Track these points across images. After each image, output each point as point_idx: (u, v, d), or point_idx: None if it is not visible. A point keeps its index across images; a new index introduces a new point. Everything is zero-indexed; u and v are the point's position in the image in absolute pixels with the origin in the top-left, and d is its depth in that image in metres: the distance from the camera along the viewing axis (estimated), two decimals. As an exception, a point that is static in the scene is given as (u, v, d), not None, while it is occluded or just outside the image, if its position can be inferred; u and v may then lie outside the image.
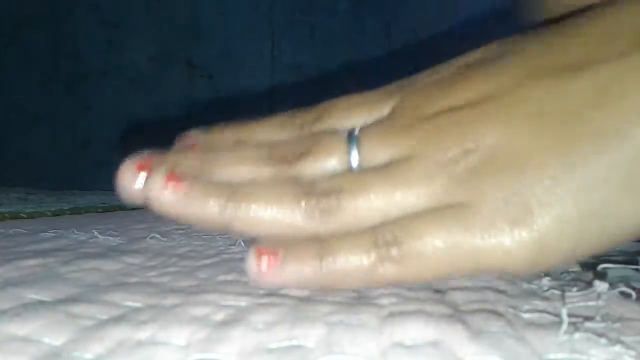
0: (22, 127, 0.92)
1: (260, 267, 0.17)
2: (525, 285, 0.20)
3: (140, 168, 0.18)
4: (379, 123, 0.19)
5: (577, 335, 0.14)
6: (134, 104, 0.88)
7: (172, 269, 0.23)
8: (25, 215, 0.43)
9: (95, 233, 0.32)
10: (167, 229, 0.36)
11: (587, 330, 0.15)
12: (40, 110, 0.91)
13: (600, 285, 0.18)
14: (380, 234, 0.17)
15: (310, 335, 0.15)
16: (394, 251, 0.16)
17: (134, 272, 0.22)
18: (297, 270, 0.17)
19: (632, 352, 0.13)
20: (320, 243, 0.17)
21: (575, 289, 0.19)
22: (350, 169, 0.18)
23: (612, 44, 0.16)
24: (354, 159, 0.18)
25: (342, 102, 0.20)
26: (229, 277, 0.21)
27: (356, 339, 0.14)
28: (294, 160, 0.18)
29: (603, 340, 0.14)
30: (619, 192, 0.15)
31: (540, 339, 0.14)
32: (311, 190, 0.17)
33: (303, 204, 0.17)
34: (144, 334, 0.14)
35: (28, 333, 0.14)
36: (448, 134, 0.17)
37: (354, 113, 0.20)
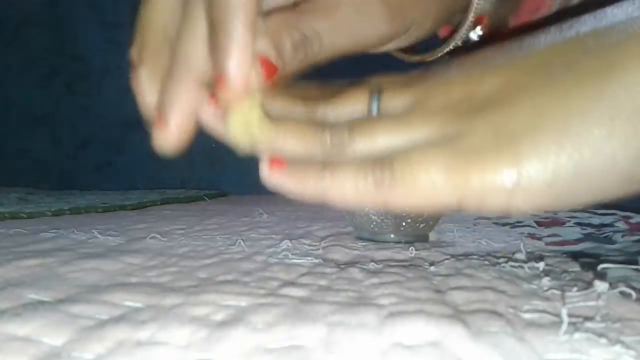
0: (22, 127, 0.92)
1: (270, 170, 0.19)
2: (525, 285, 0.20)
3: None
4: (400, 78, 0.21)
5: (577, 335, 0.14)
6: (134, 104, 0.88)
7: (172, 269, 0.23)
8: (25, 215, 0.43)
9: (95, 233, 0.32)
10: (167, 229, 0.36)
11: (587, 330, 0.15)
12: (40, 110, 0.91)
13: (600, 285, 0.18)
14: (379, 158, 0.18)
15: (310, 335, 0.15)
16: (387, 173, 0.18)
17: (134, 272, 0.22)
18: (300, 178, 0.19)
19: (632, 352, 0.13)
20: (326, 162, 0.19)
21: (575, 289, 0.19)
22: (370, 114, 0.20)
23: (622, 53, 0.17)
24: (374, 106, 0.20)
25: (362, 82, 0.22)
26: (229, 277, 0.21)
27: (356, 339, 0.14)
28: (324, 103, 0.21)
29: (603, 340, 0.14)
30: (600, 127, 0.16)
31: (540, 339, 0.14)
32: (327, 127, 0.20)
33: (318, 137, 0.19)
34: (144, 334, 0.14)
35: (28, 333, 0.14)
36: (453, 82, 0.19)
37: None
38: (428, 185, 0.17)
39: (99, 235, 0.32)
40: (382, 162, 0.18)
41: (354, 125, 0.20)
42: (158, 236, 0.32)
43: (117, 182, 0.84)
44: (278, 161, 0.19)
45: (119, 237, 0.32)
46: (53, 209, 0.47)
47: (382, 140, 0.19)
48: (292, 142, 0.20)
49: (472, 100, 0.18)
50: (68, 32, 0.90)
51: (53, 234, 0.33)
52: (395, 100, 0.20)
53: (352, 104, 0.21)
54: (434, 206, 0.18)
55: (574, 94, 0.16)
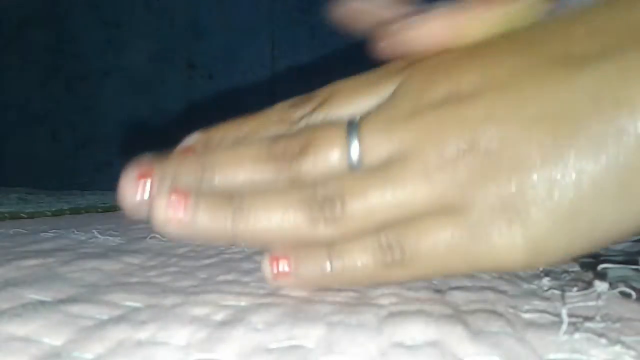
0: (22, 127, 0.92)
1: (274, 272, 0.18)
2: (525, 285, 0.20)
3: (142, 177, 0.19)
4: (379, 111, 0.19)
5: (577, 335, 0.14)
6: (134, 104, 0.88)
7: (172, 269, 0.23)
8: (25, 215, 0.43)
9: (95, 233, 0.32)
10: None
11: (587, 330, 0.15)
12: (40, 110, 0.91)
13: (600, 285, 0.18)
14: (384, 237, 0.17)
15: (310, 335, 0.15)
16: (397, 254, 0.17)
17: (134, 272, 0.22)
18: (308, 274, 0.18)
19: (632, 352, 0.13)
20: (327, 248, 0.18)
21: (575, 289, 0.19)
22: (350, 164, 0.18)
23: (615, 39, 0.16)
24: (354, 153, 0.18)
25: (342, 86, 0.20)
26: (229, 277, 0.21)
27: (356, 339, 0.14)
28: (293, 158, 0.19)
29: (603, 340, 0.14)
30: (613, 193, 0.16)
31: (540, 339, 0.14)
32: (313, 196, 0.18)
33: (307, 213, 0.18)
34: (144, 334, 0.14)
35: (28, 333, 0.14)
36: (446, 130, 0.17)
37: (355, 98, 0.20)
38: (439, 263, 0.18)
39: (99, 235, 0.32)
40: (390, 245, 0.17)
41: (341, 190, 0.18)
42: (158, 236, 0.32)
43: (117, 182, 0.84)
44: (279, 258, 0.18)
45: (119, 237, 0.32)
46: (53, 209, 0.47)
47: (379, 210, 0.18)
48: (275, 225, 0.18)
49: (472, 158, 0.17)
50: (68, 32, 0.90)
51: (53, 234, 0.33)
52: (379, 146, 0.18)
53: (327, 152, 0.18)
54: (444, 277, 0.19)
55: (582, 166, 0.16)
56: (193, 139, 0.22)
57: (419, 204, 0.17)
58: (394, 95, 0.19)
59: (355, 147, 0.18)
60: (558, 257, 0.17)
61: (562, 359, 0.13)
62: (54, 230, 0.34)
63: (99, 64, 0.89)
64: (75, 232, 0.33)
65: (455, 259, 0.17)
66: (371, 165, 0.18)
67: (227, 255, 0.26)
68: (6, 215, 0.42)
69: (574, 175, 0.16)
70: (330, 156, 0.18)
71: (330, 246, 0.18)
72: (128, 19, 0.88)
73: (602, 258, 0.26)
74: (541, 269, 0.23)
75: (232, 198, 0.18)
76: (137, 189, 0.19)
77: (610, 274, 0.21)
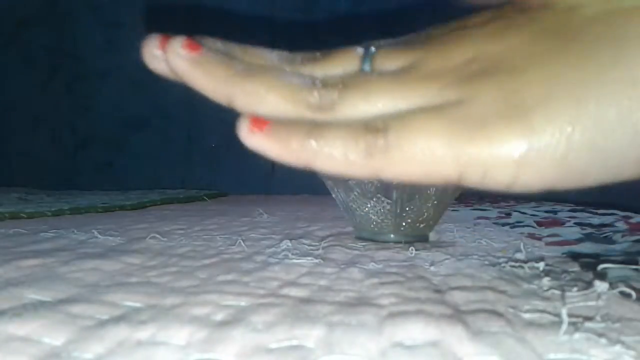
0: (22, 127, 0.92)
1: (249, 130, 0.17)
2: (525, 285, 0.20)
3: (162, 40, 0.19)
4: (393, 41, 0.19)
5: (577, 335, 0.14)
6: (134, 104, 0.88)
7: (172, 269, 0.23)
8: (25, 215, 0.43)
9: (95, 233, 0.32)
10: (167, 229, 0.36)
11: (587, 330, 0.15)
12: (40, 110, 0.91)
13: (600, 285, 0.18)
14: (372, 121, 0.17)
15: (310, 335, 0.15)
16: (381, 139, 0.16)
17: (134, 272, 0.22)
18: (283, 140, 0.17)
19: (632, 352, 0.13)
20: (312, 123, 0.17)
21: (575, 289, 0.19)
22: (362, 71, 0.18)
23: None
24: (367, 64, 0.18)
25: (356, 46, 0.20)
26: (229, 277, 0.21)
27: (356, 339, 0.14)
28: (308, 62, 0.19)
29: (603, 340, 0.14)
30: (622, 100, 0.15)
31: (540, 339, 0.14)
32: (316, 82, 0.18)
33: (306, 94, 0.17)
34: (144, 334, 0.14)
35: (28, 333, 0.14)
36: (453, 45, 0.17)
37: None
38: (427, 155, 0.16)
39: (99, 235, 0.32)
40: (376, 126, 0.16)
41: (345, 82, 0.18)
42: (158, 236, 0.32)
43: (117, 182, 0.84)
44: (259, 120, 0.17)
45: (119, 237, 0.32)
46: (53, 209, 0.47)
47: (375, 99, 0.17)
48: (273, 98, 0.17)
49: (476, 64, 0.16)
50: (68, 32, 0.90)
51: (53, 234, 0.33)
52: (390, 60, 0.18)
53: (342, 63, 0.19)
54: (431, 179, 0.16)
55: (588, 61, 0.15)
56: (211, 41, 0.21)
57: (417, 101, 0.17)
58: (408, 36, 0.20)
59: (368, 62, 0.18)
60: (554, 160, 0.15)
61: (562, 359, 0.13)
62: (54, 230, 0.34)
63: (99, 64, 0.89)
64: (75, 232, 0.33)
65: (442, 153, 0.16)
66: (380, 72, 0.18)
67: (227, 255, 0.26)
68: (6, 215, 0.42)
69: (575, 71, 0.15)
70: (344, 66, 0.19)
71: (315, 123, 0.17)
72: (128, 19, 0.88)
73: (602, 258, 0.26)
74: (541, 268, 0.23)
75: (240, 62, 0.18)
76: (158, 46, 0.19)
77: (610, 274, 0.21)
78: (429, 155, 0.16)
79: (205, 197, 0.69)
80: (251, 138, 0.17)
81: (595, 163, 0.15)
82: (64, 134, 0.91)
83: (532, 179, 0.15)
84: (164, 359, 0.13)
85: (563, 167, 0.15)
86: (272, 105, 0.17)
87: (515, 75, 0.16)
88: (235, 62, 0.18)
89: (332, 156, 0.16)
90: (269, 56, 0.20)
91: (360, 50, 0.19)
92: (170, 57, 0.18)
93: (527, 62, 0.16)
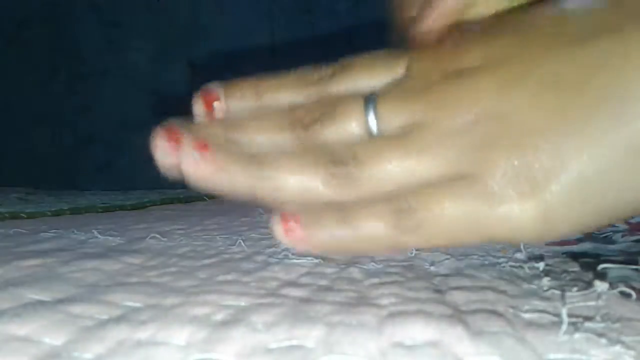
0: (22, 127, 0.92)
1: (284, 229, 0.18)
2: (525, 285, 0.20)
3: (170, 140, 0.19)
4: (395, 86, 0.19)
5: (577, 335, 0.14)
6: (134, 104, 0.88)
7: (172, 269, 0.23)
8: (25, 215, 0.43)
9: (95, 233, 0.32)
10: (167, 229, 0.36)
11: (587, 330, 0.15)
12: (40, 110, 0.91)
13: (600, 285, 0.18)
14: (396, 202, 0.17)
15: (310, 335, 0.15)
16: (409, 220, 0.17)
17: (134, 272, 0.22)
18: (317, 234, 0.18)
19: (632, 352, 0.13)
20: (339, 210, 0.18)
21: (575, 289, 0.19)
22: (367, 134, 0.19)
23: (615, 17, 0.17)
24: (372, 123, 0.19)
25: (359, 60, 0.21)
26: (229, 277, 0.21)
27: (356, 339, 0.14)
28: (312, 125, 0.19)
29: (603, 340, 0.14)
30: (626, 158, 0.16)
31: (540, 339, 0.14)
32: (331, 158, 0.18)
33: (322, 172, 0.18)
34: (144, 334, 0.14)
35: (28, 333, 0.14)
36: (458, 101, 0.18)
37: (371, 71, 0.20)
38: (452, 232, 0.17)
39: (99, 235, 0.32)
40: (401, 208, 0.17)
41: (357, 152, 0.18)
42: (158, 236, 0.32)
43: (117, 182, 0.84)
44: (289, 217, 0.18)
45: (119, 237, 0.32)
46: (53, 209, 0.47)
47: (391, 171, 0.18)
48: (292, 182, 0.18)
49: (482, 127, 0.17)
50: (68, 32, 0.90)
51: (53, 234, 0.33)
52: (395, 116, 0.18)
53: (345, 121, 0.19)
54: (456, 247, 0.18)
55: (593, 118, 0.16)
56: (213, 93, 0.22)
57: (433, 171, 0.18)
58: (407, 72, 0.20)
59: (372, 118, 0.19)
60: (570, 229, 0.17)
61: (562, 359, 0.13)
62: (54, 230, 0.34)
63: (99, 64, 0.89)
64: (75, 232, 0.33)
65: (467, 226, 0.17)
66: (387, 134, 0.19)
67: (227, 255, 0.26)
68: (6, 215, 0.42)
69: (582, 140, 0.16)
70: (348, 125, 0.19)
71: (342, 209, 0.18)
72: (128, 19, 0.88)
73: (602, 258, 0.26)
74: (541, 268, 0.23)
75: (253, 155, 0.19)
76: (168, 151, 0.19)
77: (610, 274, 0.21)
78: (455, 232, 0.17)
79: (205, 197, 0.69)
80: (287, 237, 0.18)
81: (610, 215, 0.17)
82: (64, 133, 0.91)
83: (556, 238, 0.17)
84: (164, 359, 0.13)
85: (580, 227, 0.17)
86: (291, 191, 0.18)
87: (524, 144, 0.16)
88: (247, 156, 0.19)
89: (363, 240, 0.18)
90: (279, 90, 0.21)
91: (361, 99, 0.19)
92: (185, 168, 0.19)
93: (533, 130, 0.16)
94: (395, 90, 0.19)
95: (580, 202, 0.16)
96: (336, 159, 0.18)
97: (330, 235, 0.18)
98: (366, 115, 0.19)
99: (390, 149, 0.18)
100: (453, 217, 0.17)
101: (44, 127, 0.91)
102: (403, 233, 0.17)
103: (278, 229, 0.18)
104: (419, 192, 0.17)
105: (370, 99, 0.19)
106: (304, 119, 0.19)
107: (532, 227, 0.16)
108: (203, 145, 0.18)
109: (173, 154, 0.19)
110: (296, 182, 0.18)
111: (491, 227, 0.17)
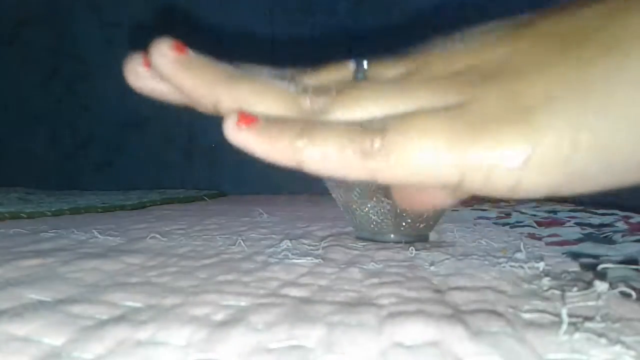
0: (22, 127, 0.92)
1: (236, 125, 0.16)
2: (525, 285, 0.20)
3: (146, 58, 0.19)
4: (391, 56, 0.19)
5: (577, 335, 0.14)
6: (134, 104, 0.88)
7: (172, 269, 0.23)
8: (25, 215, 0.43)
9: (95, 233, 0.32)
10: (167, 229, 0.36)
11: (587, 330, 0.15)
12: (40, 110, 0.91)
13: (600, 285, 0.18)
14: (369, 122, 0.16)
15: (310, 335, 0.15)
16: (378, 140, 0.15)
17: (134, 272, 0.22)
18: (272, 138, 0.16)
19: (632, 352, 0.13)
20: (306, 122, 0.16)
21: (575, 289, 0.19)
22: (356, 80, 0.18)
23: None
24: (360, 75, 0.18)
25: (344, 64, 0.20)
26: (229, 277, 0.21)
27: (356, 339, 0.14)
28: (299, 76, 0.18)
29: (603, 340, 0.14)
30: (621, 94, 0.14)
31: (540, 339, 0.14)
32: (309, 90, 0.17)
33: (297, 98, 0.17)
34: (144, 334, 0.14)
35: (28, 333, 0.14)
36: (456, 52, 0.17)
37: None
38: (426, 157, 0.15)
39: (99, 235, 0.32)
40: (373, 127, 0.15)
41: (339, 88, 0.17)
42: (158, 236, 0.32)
43: (117, 182, 0.84)
44: (248, 116, 0.16)
45: (119, 237, 0.32)
46: (53, 209, 0.47)
47: (372, 103, 0.16)
48: (263, 103, 0.17)
49: (479, 70, 0.16)
50: (68, 32, 0.90)
51: (53, 234, 0.33)
52: (387, 69, 0.18)
53: (335, 75, 0.18)
54: (430, 183, 0.15)
55: (593, 64, 0.15)
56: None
57: (416, 101, 0.16)
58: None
59: (361, 72, 0.18)
60: (559, 162, 0.15)
61: (562, 359, 0.13)
62: (53, 230, 0.34)
63: (99, 64, 0.89)
64: (75, 232, 0.33)
65: (442, 153, 0.15)
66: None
67: (227, 255, 0.26)
68: (6, 215, 0.42)
69: (579, 73, 0.15)
70: (336, 77, 0.18)
71: (308, 124, 0.16)
72: (128, 19, 0.88)
73: (602, 258, 0.26)
74: (541, 268, 0.23)
75: (223, 64, 0.18)
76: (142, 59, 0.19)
77: (610, 274, 0.21)
78: (428, 158, 0.15)
79: (205, 197, 0.69)
80: (237, 134, 0.16)
81: (600, 166, 0.15)
82: (64, 134, 0.91)
83: (535, 183, 0.15)
84: (164, 359, 0.13)
85: (567, 170, 0.15)
86: (260, 111, 0.16)
87: (518, 77, 0.15)
88: (223, 66, 0.18)
89: (325, 157, 0.15)
90: (261, 72, 0.19)
91: (352, 64, 0.18)
92: (156, 59, 0.18)
93: (529, 65, 0.16)
94: (391, 56, 0.19)
95: (570, 142, 0.14)
96: (315, 90, 0.17)
97: (288, 142, 0.16)
98: (356, 73, 0.18)
99: (375, 85, 0.17)
100: (431, 141, 0.15)
101: (44, 127, 0.91)
102: (369, 154, 0.15)
103: (230, 123, 0.16)
104: (394, 115, 0.16)
105: (360, 63, 0.18)
106: (289, 73, 0.19)
107: (520, 155, 0.14)
108: (180, 46, 0.18)
109: (147, 67, 0.18)
110: (266, 103, 0.17)
111: (473, 155, 0.15)
